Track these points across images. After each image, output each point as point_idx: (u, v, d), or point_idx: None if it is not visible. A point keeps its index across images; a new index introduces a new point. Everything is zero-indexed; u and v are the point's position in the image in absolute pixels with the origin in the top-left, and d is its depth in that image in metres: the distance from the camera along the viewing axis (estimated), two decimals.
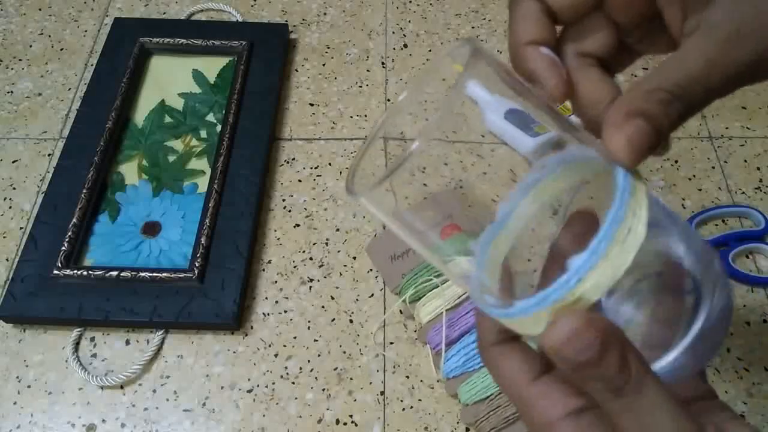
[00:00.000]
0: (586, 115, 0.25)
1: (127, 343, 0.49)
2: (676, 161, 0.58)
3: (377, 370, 0.48)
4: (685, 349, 0.21)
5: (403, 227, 0.23)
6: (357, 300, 0.51)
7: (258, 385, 0.47)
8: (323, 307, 0.51)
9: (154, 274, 0.50)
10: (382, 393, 0.47)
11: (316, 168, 0.58)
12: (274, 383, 0.47)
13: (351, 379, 0.47)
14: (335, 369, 0.48)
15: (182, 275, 0.49)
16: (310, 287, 0.52)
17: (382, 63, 0.65)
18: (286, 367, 0.48)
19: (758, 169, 0.58)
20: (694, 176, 0.57)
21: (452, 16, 0.69)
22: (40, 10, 0.69)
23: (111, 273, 0.50)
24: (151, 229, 0.54)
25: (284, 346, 0.49)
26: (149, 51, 0.64)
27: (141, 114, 0.61)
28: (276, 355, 0.48)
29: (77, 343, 0.49)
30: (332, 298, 0.51)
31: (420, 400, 0.46)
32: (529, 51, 0.24)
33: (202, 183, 0.56)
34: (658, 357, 0.22)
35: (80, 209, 0.53)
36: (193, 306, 0.49)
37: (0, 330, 0.50)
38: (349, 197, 0.21)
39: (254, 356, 0.48)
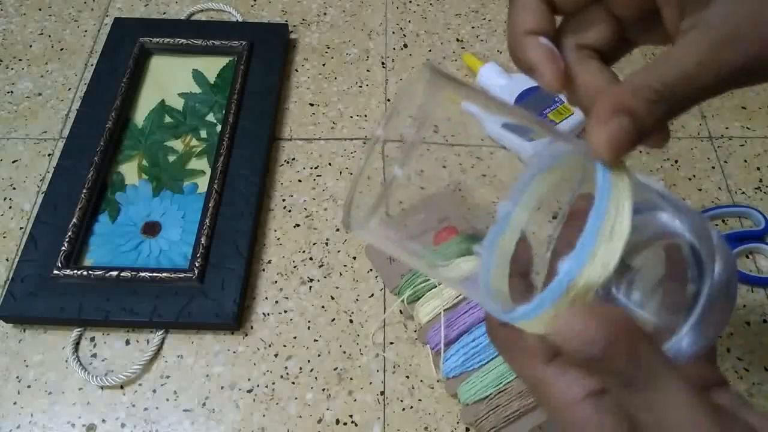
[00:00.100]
0: (585, 107, 0.25)
1: (127, 343, 0.49)
2: (676, 161, 0.58)
3: (377, 370, 0.48)
4: (694, 322, 0.21)
5: (399, 248, 0.23)
6: (357, 300, 0.51)
7: (258, 385, 0.47)
8: (323, 307, 0.51)
9: (154, 274, 0.50)
10: (382, 393, 0.47)
11: (316, 168, 0.58)
12: (274, 383, 0.47)
13: (351, 379, 0.47)
14: (335, 369, 0.48)
15: (182, 275, 0.49)
16: (310, 287, 0.52)
17: (382, 63, 0.65)
18: (286, 367, 0.48)
19: (758, 169, 0.58)
20: (694, 176, 0.57)
21: (452, 16, 0.69)
22: (40, 10, 0.69)
23: (111, 273, 0.50)
24: (151, 229, 0.54)
25: (284, 346, 0.49)
26: (149, 51, 0.64)
27: (141, 114, 0.61)
28: (276, 355, 0.48)
29: (77, 343, 0.49)
30: (332, 298, 0.51)
31: (420, 400, 0.46)
32: (527, 41, 0.24)
33: (202, 183, 0.56)
34: (668, 338, 0.22)
35: (80, 209, 0.53)
36: (193, 306, 0.49)
37: (0, 330, 0.50)
38: (348, 231, 0.21)
39: (254, 356, 0.48)
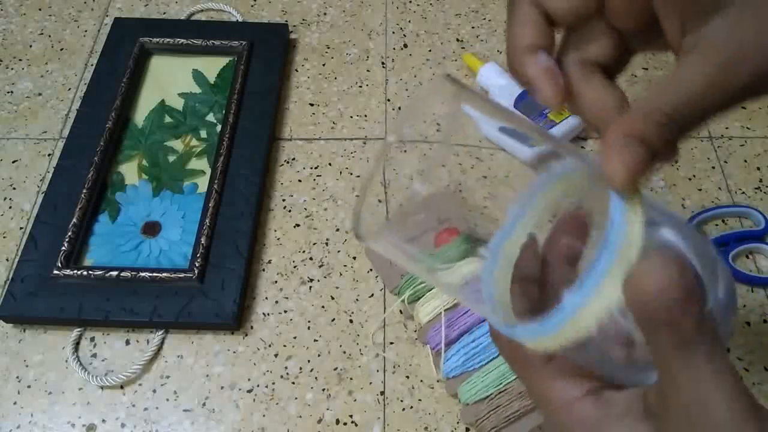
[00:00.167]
0: (592, 123, 0.25)
1: (127, 343, 0.49)
2: (676, 161, 0.58)
3: (377, 370, 0.48)
4: None
5: (400, 251, 0.23)
6: (357, 300, 0.51)
7: (258, 385, 0.47)
8: (323, 307, 0.51)
9: (154, 274, 0.50)
10: (382, 393, 0.47)
11: (316, 168, 0.58)
12: (274, 383, 0.47)
13: (351, 379, 0.47)
14: (335, 369, 0.48)
15: (182, 275, 0.49)
16: (310, 287, 0.52)
17: (382, 63, 0.65)
18: (286, 367, 0.48)
19: (758, 169, 0.58)
20: (694, 176, 0.57)
21: (452, 16, 0.69)
22: (40, 10, 0.69)
23: (111, 273, 0.50)
24: (151, 229, 0.54)
25: (284, 346, 0.49)
26: (149, 51, 0.64)
27: (141, 114, 0.61)
28: (276, 355, 0.48)
29: (77, 343, 0.49)
30: (332, 298, 0.51)
31: (420, 400, 0.46)
32: (526, 56, 0.24)
33: (202, 183, 0.56)
34: None
35: (80, 209, 0.53)
36: (193, 306, 0.49)
37: (0, 330, 0.50)
38: (358, 242, 0.21)
39: (254, 356, 0.48)
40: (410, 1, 0.70)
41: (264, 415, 0.46)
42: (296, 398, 0.47)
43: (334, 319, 0.50)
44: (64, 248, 0.50)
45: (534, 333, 0.21)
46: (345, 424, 0.46)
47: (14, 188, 0.57)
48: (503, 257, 0.23)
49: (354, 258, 0.53)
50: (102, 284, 0.49)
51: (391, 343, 0.49)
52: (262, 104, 0.60)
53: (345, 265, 0.52)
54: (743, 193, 0.56)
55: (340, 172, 0.58)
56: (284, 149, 0.59)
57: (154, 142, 0.59)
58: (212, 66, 0.64)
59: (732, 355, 0.48)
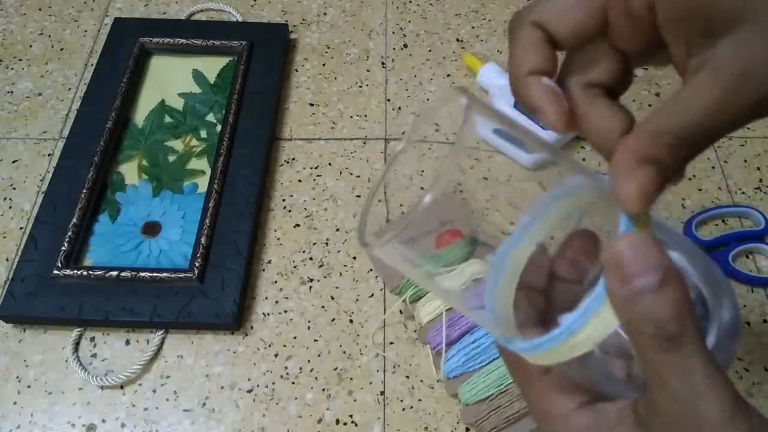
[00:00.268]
0: (598, 146, 0.24)
1: (127, 343, 0.49)
2: None
3: (377, 370, 0.48)
4: None
5: (401, 256, 0.23)
6: (357, 300, 0.51)
7: (258, 385, 0.47)
8: (323, 307, 0.51)
9: (154, 274, 0.50)
10: (382, 393, 0.47)
11: (316, 168, 0.58)
12: (274, 383, 0.47)
13: (351, 379, 0.47)
14: (335, 369, 0.48)
15: (182, 275, 0.49)
16: (310, 287, 0.52)
17: (382, 63, 0.65)
18: (286, 367, 0.48)
19: (758, 169, 0.58)
20: (694, 176, 0.57)
21: (452, 16, 0.69)
22: (40, 10, 0.69)
23: (111, 273, 0.50)
24: (151, 229, 0.54)
25: (284, 346, 0.49)
26: (149, 51, 0.64)
27: (141, 114, 0.61)
28: (276, 355, 0.48)
29: (77, 343, 0.49)
30: (332, 298, 0.51)
31: (420, 400, 0.46)
32: (530, 81, 0.24)
33: (202, 183, 0.56)
34: None
35: (80, 209, 0.53)
36: (193, 306, 0.49)
37: (0, 330, 0.50)
38: (362, 248, 0.21)
39: (254, 356, 0.48)
40: (410, 1, 0.70)
41: (264, 415, 0.46)
42: (296, 398, 0.47)
43: (334, 319, 0.50)
44: (64, 248, 0.50)
45: (528, 349, 0.21)
46: (345, 424, 0.46)
47: (14, 188, 0.57)
48: (510, 265, 0.23)
49: (354, 258, 0.53)
50: (102, 284, 0.49)
51: (391, 343, 0.49)
52: (262, 104, 0.60)
53: (345, 265, 0.52)
54: (743, 193, 0.56)
55: (340, 172, 0.58)
56: (284, 149, 0.59)
57: (154, 142, 0.59)
58: (212, 66, 0.64)
59: None
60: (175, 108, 0.61)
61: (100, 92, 0.60)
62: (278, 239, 0.54)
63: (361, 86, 0.63)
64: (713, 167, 0.58)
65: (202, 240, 0.51)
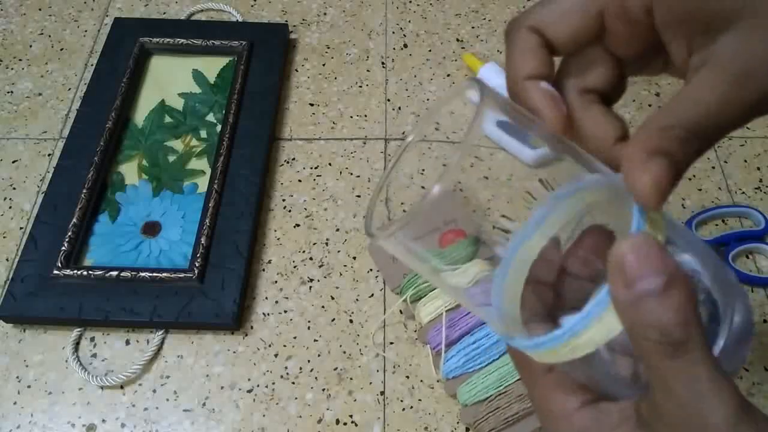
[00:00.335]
0: (593, 152, 0.24)
1: (127, 343, 0.49)
2: None
3: (377, 370, 0.48)
4: None
5: (405, 251, 0.23)
6: (357, 300, 0.51)
7: (258, 385, 0.47)
8: (323, 307, 0.51)
9: (154, 274, 0.50)
10: (382, 393, 0.47)
11: (316, 168, 0.58)
12: (274, 383, 0.47)
13: (351, 379, 0.47)
14: (335, 369, 0.48)
15: (182, 275, 0.49)
16: (310, 287, 0.52)
17: (382, 63, 0.65)
18: (286, 367, 0.48)
19: (758, 169, 0.58)
20: (694, 176, 0.57)
21: (452, 16, 0.69)
22: (40, 10, 0.69)
23: (111, 273, 0.50)
24: (151, 229, 0.54)
25: (284, 346, 0.49)
26: (149, 51, 0.64)
27: (141, 114, 0.61)
28: (276, 355, 0.48)
29: (77, 343, 0.49)
30: (332, 298, 0.51)
31: (420, 400, 0.46)
32: (528, 86, 0.24)
33: (202, 183, 0.56)
34: None
35: (80, 209, 0.53)
36: (193, 306, 0.49)
37: (0, 330, 0.50)
38: (368, 239, 0.22)
39: (254, 356, 0.48)
40: (410, 1, 0.70)
41: (264, 415, 0.46)
42: (296, 398, 0.47)
43: (334, 319, 0.50)
44: (64, 248, 0.50)
45: (529, 346, 0.21)
46: (345, 424, 0.46)
47: (14, 188, 0.57)
48: (520, 258, 0.23)
49: (354, 258, 0.53)
50: (102, 284, 0.49)
51: (391, 343, 0.49)
52: (262, 104, 0.60)
53: (345, 265, 0.52)
54: (743, 193, 0.56)
55: (340, 172, 0.58)
56: (284, 149, 0.59)
57: (154, 142, 0.59)
58: (212, 66, 0.64)
59: None
60: (175, 108, 0.61)
61: (100, 92, 0.60)
62: (278, 239, 0.54)
63: (361, 86, 0.63)
64: (713, 167, 0.58)
65: (202, 240, 0.51)
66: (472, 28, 0.68)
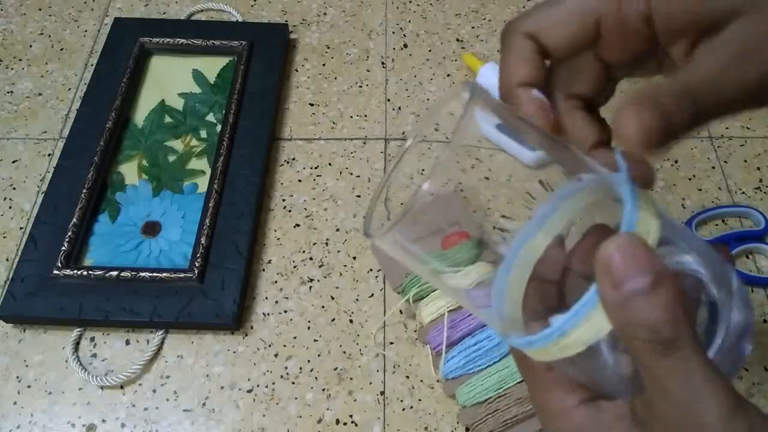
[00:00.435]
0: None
1: (127, 343, 0.49)
2: (676, 161, 0.58)
3: (377, 370, 0.48)
4: None
5: (407, 252, 0.23)
6: (357, 300, 0.51)
7: (258, 385, 0.47)
8: (323, 307, 0.51)
9: (154, 274, 0.50)
10: (382, 393, 0.47)
11: (316, 168, 0.58)
12: (274, 383, 0.47)
13: (351, 379, 0.47)
14: (335, 369, 0.48)
15: (182, 275, 0.49)
16: (310, 287, 0.52)
17: (382, 63, 0.65)
18: (286, 367, 0.48)
19: (758, 169, 0.58)
20: (694, 176, 0.57)
21: (452, 16, 0.69)
22: (40, 10, 0.69)
23: (111, 273, 0.50)
24: (151, 229, 0.54)
25: (284, 346, 0.49)
26: (149, 51, 0.64)
27: (141, 114, 0.61)
28: (276, 355, 0.48)
29: (77, 343, 0.49)
30: (332, 298, 0.51)
31: (420, 400, 0.46)
32: (520, 93, 0.25)
33: (202, 183, 0.56)
34: None
35: (80, 209, 0.53)
36: (193, 306, 0.49)
37: (0, 330, 0.50)
38: (366, 239, 0.22)
39: (254, 356, 0.48)
40: (410, 1, 0.70)
41: (264, 415, 0.46)
42: (296, 398, 0.47)
43: (334, 319, 0.50)
44: (64, 248, 0.50)
45: (521, 344, 0.22)
46: (345, 424, 0.46)
47: (14, 188, 0.57)
48: (524, 256, 0.23)
49: (354, 258, 0.53)
50: (102, 284, 0.49)
51: (391, 343, 0.49)
52: (262, 104, 0.60)
53: (345, 265, 0.52)
54: (743, 193, 0.56)
55: (340, 172, 0.58)
56: (284, 149, 0.59)
57: (154, 142, 0.59)
58: (212, 66, 0.64)
59: None
60: (175, 108, 0.61)
61: (100, 92, 0.60)
62: (278, 239, 0.54)
63: (361, 86, 0.63)
64: (713, 167, 0.58)
65: (202, 240, 0.51)
66: (472, 28, 0.68)
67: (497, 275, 0.23)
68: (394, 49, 0.66)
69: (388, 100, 0.62)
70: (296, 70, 0.65)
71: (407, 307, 0.48)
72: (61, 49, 0.66)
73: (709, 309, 0.22)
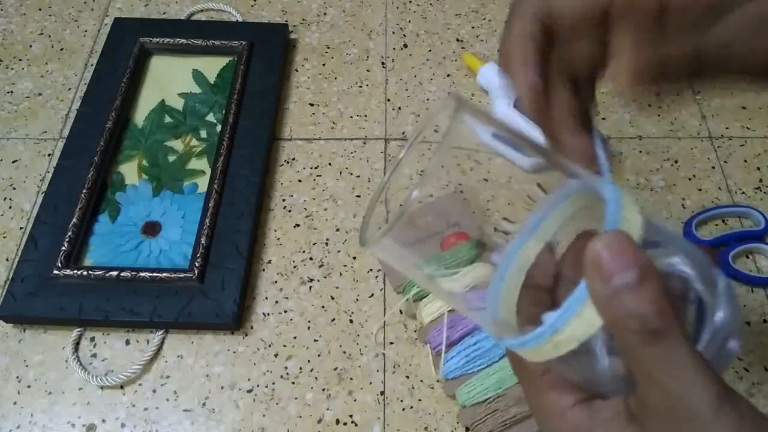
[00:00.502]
0: (549, 135, 0.26)
1: (127, 343, 0.49)
2: (676, 161, 0.58)
3: (377, 370, 0.48)
4: None
5: (404, 255, 0.23)
6: (357, 300, 0.51)
7: (258, 385, 0.47)
8: (323, 307, 0.51)
9: (154, 274, 0.50)
10: (382, 393, 0.47)
11: (316, 168, 0.58)
12: (274, 383, 0.47)
13: (351, 379, 0.47)
14: (335, 369, 0.48)
15: (182, 275, 0.49)
16: (310, 287, 0.52)
17: (382, 63, 0.65)
18: (286, 367, 0.48)
19: (758, 169, 0.58)
20: (694, 176, 0.57)
21: (452, 16, 0.69)
22: (40, 10, 0.69)
23: (111, 273, 0.50)
24: (151, 229, 0.54)
25: (284, 346, 0.49)
26: (149, 51, 0.64)
27: (141, 114, 0.61)
28: (276, 355, 0.48)
29: (77, 343, 0.49)
30: (332, 298, 0.51)
31: (420, 400, 0.46)
32: (520, 70, 0.25)
33: (202, 183, 0.56)
34: None
35: (80, 209, 0.53)
36: (193, 306, 0.49)
37: (0, 330, 0.50)
38: (362, 247, 0.22)
39: (254, 356, 0.48)
40: (410, 1, 0.70)
41: (264, 415, 0.46)
42: (296, 398, 0.47)
43: (334, 319, 0.50)
44: (64, 248, 0.50)
45: (516, 345, 0.22)
46: (345, 424, 0.46)
47: (14, 188, 0.57)
48: (517, 262, 0.23)
49: (354, 258, 0.53)
50: (102, 284, 0.50)
51: (391, 342, 0.49)
52: (262, 104, 0.60)
53: (345, 265, 0.52)
54: (743, 193, 0.56)
55: (340, 172, 0.58)
56: (284, 149, 0.59)
57: (154, 142, 0.59)
58: (212, 66, 0.64)
59: None
60: (175, 108, 0.61)
61: (100, 92, 0.60)
62: (278, 239, 0.54)
63: (361, 86, 0.63)
64: (713, 167, 0.58)
65: (202, 240, 0.51)
66: (472, 28, 0.68)
67: (491, 284, 0.23)
68: (394, 49, 0.66)
69: (388, 100, 0.62)
70: (296, 70, 0.65)
71: (407, 306, 0.49)
72: (61, 49, 0.66)
73: (696, 309, 0.22)
